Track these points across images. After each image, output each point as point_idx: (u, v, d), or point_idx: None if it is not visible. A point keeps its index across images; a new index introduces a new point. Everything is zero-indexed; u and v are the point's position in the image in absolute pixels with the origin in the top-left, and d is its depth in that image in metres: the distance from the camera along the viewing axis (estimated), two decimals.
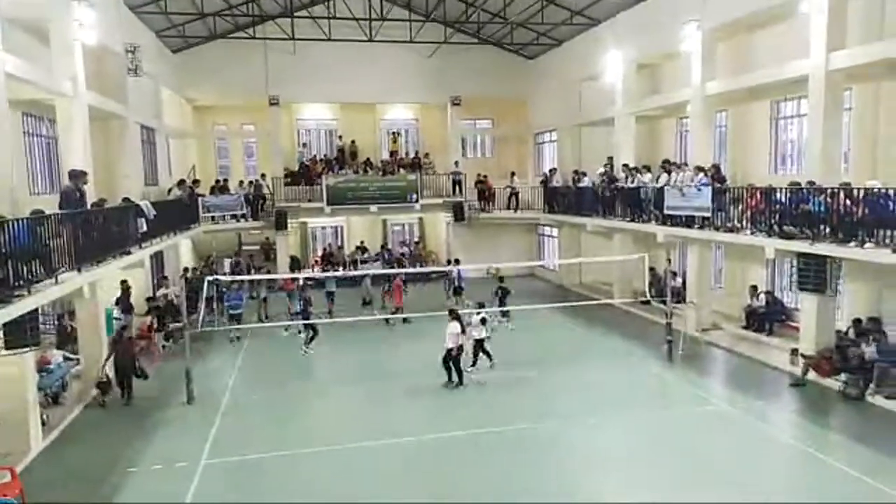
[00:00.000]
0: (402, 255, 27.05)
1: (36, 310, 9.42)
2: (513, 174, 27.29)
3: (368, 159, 27.88)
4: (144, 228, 15.30)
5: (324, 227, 28.97)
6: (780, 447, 10.65)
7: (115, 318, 14.72)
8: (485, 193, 26.88)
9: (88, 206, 12.27)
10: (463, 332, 13.65)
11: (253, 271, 22.16)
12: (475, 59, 27.52)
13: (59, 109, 14.05)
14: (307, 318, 16.64)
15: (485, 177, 27.34)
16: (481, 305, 15.42)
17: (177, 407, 12.85)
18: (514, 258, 24.80)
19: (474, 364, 14.44)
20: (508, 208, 26.53)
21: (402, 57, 26.35)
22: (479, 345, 14.55)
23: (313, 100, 28.20)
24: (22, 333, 9.31)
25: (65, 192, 11.85)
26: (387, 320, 18.68)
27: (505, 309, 18.19)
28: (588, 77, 23.56)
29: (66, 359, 13.65)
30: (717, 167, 16.46)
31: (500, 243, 26.89)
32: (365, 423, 11.92)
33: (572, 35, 24.38)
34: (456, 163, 27.31)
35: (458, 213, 26.52)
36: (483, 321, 14.61)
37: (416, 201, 26.02)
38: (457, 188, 26.81)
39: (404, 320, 18.62)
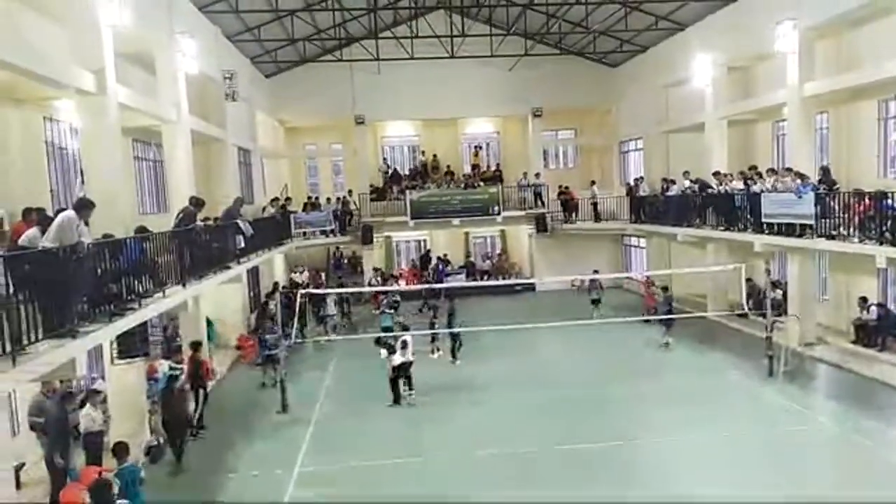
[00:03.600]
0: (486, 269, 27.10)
1: (145, 322, 10.09)
2: (592, 183, 26.82)
3: (450, 170, 28.19)
4: (242, 245, 16.09)
5: (408, 241, 29.47)
6: (892, 469, 9.82)
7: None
8: (568, 204, 26.51)
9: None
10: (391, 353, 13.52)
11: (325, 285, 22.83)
12: (556, 69, 27.31)
13: (165, 134, 15.09)
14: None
15: (567, 187, 26.98)
16: (405, 328, 15.01)
17: (271, 415, 13.38)
18: (599, 270, 24.24)
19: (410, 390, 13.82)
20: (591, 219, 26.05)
21: (483, 71, 26.53)
22: (400, 370, 13.66)
23: (397, 117, 28.87)
24: (133, 344, 10.00)
25: (185, 215, 12.68)
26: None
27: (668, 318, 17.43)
28: (675, 82, 22.88)
29: (171, 368, 14.48)
30: (825, 169, 15.48)
31: (585, 255, 26.36)
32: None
33: (657, 41, 23.77)
34: (537, 174, 27.09)
35: (540, 224, 26.28)
36: (404, 345, 13.80)
37: (498, 213, 26.02)
38: (538, 200, 26.56)
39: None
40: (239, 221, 15.79)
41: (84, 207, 8.38)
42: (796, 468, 9.94)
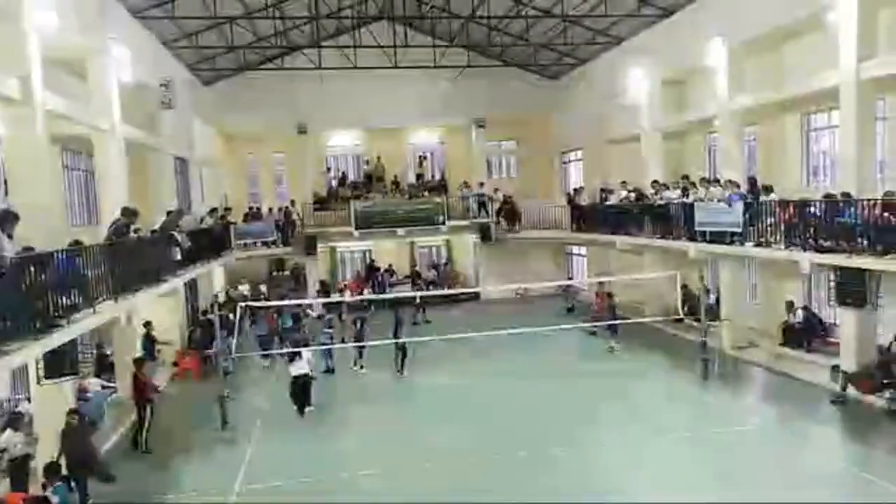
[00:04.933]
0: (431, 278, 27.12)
1: (74, 339, 9.66)
2: (496, 190, 27.15)
3: (396, 179, 28.25)
4: (179, 257, 15.63)
5: (352, 252, 29.22)
6: (823, 467, 10.34)
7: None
8: (511, 214, 26.85)
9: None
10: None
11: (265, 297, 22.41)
12: (499, 81, 27.72)
13: (97, 144, 14.51)
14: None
15: (510, 197, 27.34)
16: (306, 344, 15.12)
17: (210, 432, 13.00)
18: (542, 278, 24.68)
19: (309, 404, 13.90)
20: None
21: (427, 82, 26.65)
22: (297, 383, 13.75)
23: (341, 127, 28.69)
24: (61, 362, 9.55)
25: (116, 227, 12.20)
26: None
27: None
28: (613, 95, 23.52)
29: (103, 387, 13.92)
30: (753, 179, 16.20)
31: (529, 263, 26.86)
32: (401, 445, 11.91)
33: (596, 54, 24.44)
34: (481, 184, 27.29)
35: (485, 234, 26.53)
36: (298, 357, 13.93)
37: (443, 223, 26.12)
38: (482, 209, 26.80)
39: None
40: (175, 233, 15.34)
41: (6, 220, 7.99)
42: (733, 469, 10.27)
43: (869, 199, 12.34)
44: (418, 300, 22.27)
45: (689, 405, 13.56)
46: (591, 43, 23.31)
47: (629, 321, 17.97)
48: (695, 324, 15.84)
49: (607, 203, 22.46)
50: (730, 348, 16.56)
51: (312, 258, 25.47)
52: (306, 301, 21.47)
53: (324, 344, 16.83)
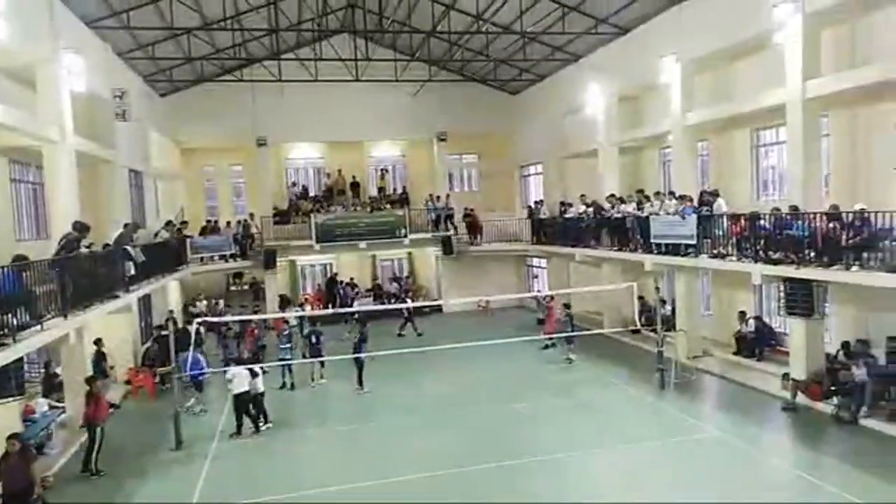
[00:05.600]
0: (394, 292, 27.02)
1: (21, 358, 9.31)
2: (437, 197, 27.23)
3: (356, 181, 28.09)
4: (132, 272, 15.24)
5: (313, 265, 28.94)
6: (775, 473, 10.62)
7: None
8: (473, 226, 27.01)
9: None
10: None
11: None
12: (460, 95, 28.01)
13: (46, 155, 14.07)
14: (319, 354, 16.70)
15: (472, 210, 27.50)
16: (253, 360, 14.88)
17: (165, 451, 12.64)
18: (503, 290, 24.83)
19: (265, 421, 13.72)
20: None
21: (389, 95, 26.74)
22: (240, 401, 13.34)
23: (301, 139, 28.49)
24: (6, 383, 9.18)
25: (67, 241, 11.83)
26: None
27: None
28: (571, 110, 23.99)
29: (51, 407, 13.43)
30: (708, 192, 16.65)
31: (490, 276, 27.05)
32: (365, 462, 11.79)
33: (555, 70, 24.88)
34: (438, 197, 27.32)
35: (446, 246, 26.60)
36: (253, 374, 13.59)
37: (405, 236, 26.10)
38: (445, 222, 26.88)
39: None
40: (129, 247, 14.97)
41: None
42: (691, 477, 10.49)
43: (815, 213, 12.85)
44: (406, 313, 22.25)
45: (647, 415, 13.79)
46: (549, 59, 23.75)
47: (588, 332, 18.18)
48: (651, 334, 16.13)
49: (566, 216, 22.79)
50: (685, 358, 16.91)
51: (272, 272, 25.10)
52: (272, 316, 21.01)
53: (283, 359, 16.62)
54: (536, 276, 28.53)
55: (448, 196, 27.69)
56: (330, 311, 21.24)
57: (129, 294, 15.21)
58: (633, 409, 14.17)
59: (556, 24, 20.50)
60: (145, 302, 19.76)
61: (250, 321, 19.10)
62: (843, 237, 11.92)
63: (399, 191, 29.31)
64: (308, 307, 22.32)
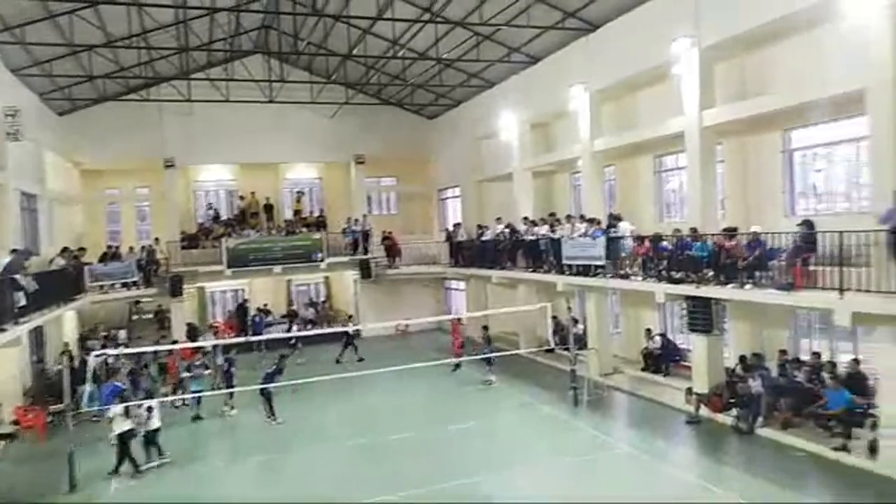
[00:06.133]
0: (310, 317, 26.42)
1: None
2: (355, 220, 26.84)
3: (270, 209, 27.46)
4: (23, 303, 14.17)
5: (224, 291, 27.90)
6: (679, 485, 11.02)
7: None
8: (391, 249, 26.92)
9: None
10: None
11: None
12: (377, 118, 28.07)
13: None
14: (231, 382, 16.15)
15: (390, 233, 27.44)
16: (150, 395, 14.11)
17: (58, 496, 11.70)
18: (422, 313, 24.80)
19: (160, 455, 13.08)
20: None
21: (305, 117, 26.44)
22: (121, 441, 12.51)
23: (212, 161, 27.56)
24: None
25: None
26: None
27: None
28: (487, 135, 24.50)
29: None
30: (612, 216, 17.33)
31: (408, 299, 26.95)
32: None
33: (470, 96, 25.38)
34: (356, 220, 27.04)
35: (364, 270, 26.35)
36: (149, 409, 12.89)
37: (322, 260, 25.66)
38: (364, 245, 26.60)
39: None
40: (18, 276, 13.92)
41: None
42: (603, 493, 10.73)
43: (712, 234, 13.64)
44: (346, 338, 21.76)
45: (562, 433, 14.02)
46: (465, 85, 24.23)
47: (505, 353, 18.40)
48: (565, 353, 16.52)
49: (483, 239, 23.13)
50: (597, 375, 17.40)
51: (178, 300, 23.96)
52: (193, 344, 19.87)
53: (193, 391, 15.87)
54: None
55: (366, 217, 27.50)
56: (243, 339, 20.37)
57: (19, 326, 14.09)
58: (548, 427, 14.39)
59: (470, 52, 20.97)
60: (37, 335, 18.39)
61: (170, 352, 18.11)
62: (739, 257, 12.69)
63: (316, 214, 28.85)
64: (220, 335, 21.43)
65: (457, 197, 28.17)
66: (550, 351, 18.71)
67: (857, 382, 12.02)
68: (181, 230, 25.70)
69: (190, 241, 25.63)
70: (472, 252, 23.98)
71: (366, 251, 26.51)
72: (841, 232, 10.67)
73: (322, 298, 29.17)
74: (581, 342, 17.94)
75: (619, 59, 16.82)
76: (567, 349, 16.16)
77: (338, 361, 21.34)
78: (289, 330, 22.61)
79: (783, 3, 12.20)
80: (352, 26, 21.08)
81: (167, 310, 24.90)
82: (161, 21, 19.70)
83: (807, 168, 14.24)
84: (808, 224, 11.80)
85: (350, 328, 22.33)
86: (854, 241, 10.57)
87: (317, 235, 26.25)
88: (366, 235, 26.54)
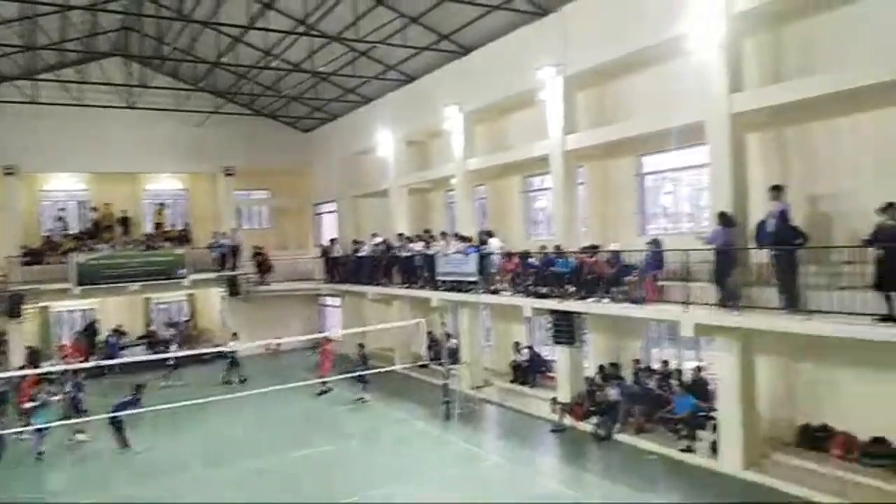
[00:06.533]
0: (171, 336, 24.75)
1: None
2: (224, 234, 25.84)
3: (126, 222, 25.66)
4: None
5: (72, 311, 25.51)
6: (544, 492, 11.44)
7: None
8: (262, 265, 25.99)
9: None
10: None
11: None
12: (249, 129, 27.15)
13: None
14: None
15: (261, 248, 26.50)
16: None
17: None
18: (296, 331, 24.14)
19: None
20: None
21: (169, 125, 25.00)
22: None
23: (62, 169, 25.21)
24: None
25: None
26: None
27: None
28: (363, 151, 24.44)
29: None
30: (484, 233, 17.81)
31: (281, 317, 26.06)
32: None
33: (347, 111, 25.21)
34: (224, 234, 25.89)
35: (233, 286, 25.19)
36: None
37: (185, 277, 24.22)
38: (231, 261, 25.45)
39: None
40: None
41: None
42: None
43: (575, 252, 14.42)
44: (230, 357, 20.59)
45: (434, 447, 14.10)
46: (341, 100, 24.05)
47: (379, 370, 18.23)
48: (439, 367, 16.69)
49: (359, 254, 22.95)
50: (469, 389, 17.74)
51: (17, 321, 21.55)
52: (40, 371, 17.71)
53: (38, 422, 14.26)
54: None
55: (235, 231, 26.38)
56: (92, 363, 18.61)
57: None
58: (421, 443, 14.43)
59: (346, 67, 20.90)
60: None
61: (24, 377, 16.14)
62: (600, 273, 13.51)
63: (179, 227, 27.23)
64: (70, 359, 19.50)
65: (333, 212, 27.80)
66: (425, 366, 18.85)
67: (700, 388, 13.16)
68: (22, 244, 23.23)
69: (33, 257, 23.20)
70: (348, 268, 23.70)
71: (234, 267, 25.39)
72: (685, 250, 11.68)
73: (185, 317, 27.47)
74: (455, 356, 18.21)
75: (490, 83, 17.45)
76: (441, 364, 16.33)
77: (229, 382, 20.28)
78: (166, 350, 21.10)
79: (637, 38, 13.26)
80: (221, 33, 20.29)
81: (3, 332, 22.28)
82: (4, 15, 17.90)
83: (658, 191, 15.49)
84: (656, 242, 12.77)
85: (233, 347, 21.17)
86: (695, 259, 11.59)
87: (180, 250, 24.79)
88: (235, 250, 25.42)
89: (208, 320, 27.49)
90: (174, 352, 20.72)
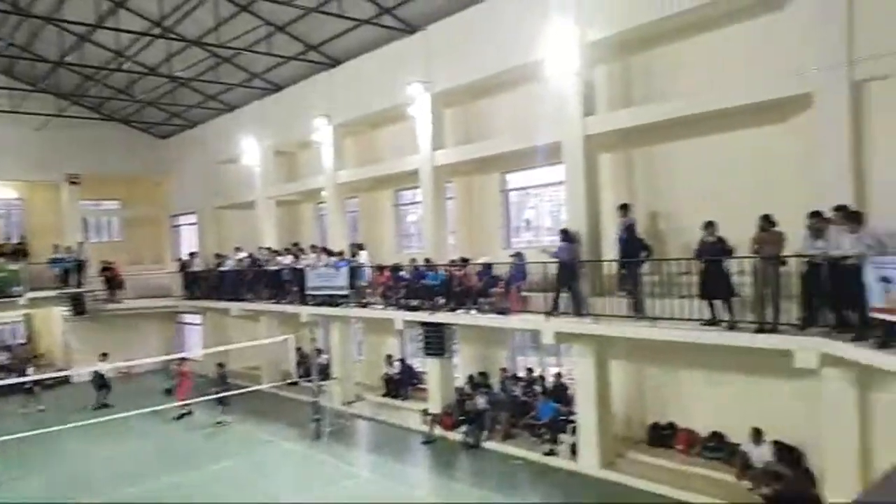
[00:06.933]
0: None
1: None
2: (67, 248, 23.61)
3: None
4: None
5: None
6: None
7: None
8: (112, 281, 24.02)
9: None
10: None
11: None
12: (97, 135, 25.02)
13: None
14: None
15: (111, 263, 24.49)
16: None
17: None
18: (151, 352, 22.50)
19: None
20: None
21: (3, 129, 22.48)
22: None
23: None
24: None
25: None
26: None
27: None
28: (227, 160, 23.38)
29: None
30: (355, 245, 17.64)
31: (134, 337, 24.16)
32: None
33: (208, 118, 24.02)
34: (67, 248, 23.66)
35: (77, 305, 23.02)
36: None
37: (21, 295, 21.80)
38: (75, 277, 23.23)
39: None
40: None
41: None
42: None
43: (445, 265, 14.71)
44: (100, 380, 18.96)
45: (302, 468, 13.73)
46: (202, 107, 22.91)
47: (244, 390, 17.46)
48: (309, 384, 16.28)
49: (222, 269, 21.88)
50: (340, 405, 17.48)
51: None
52: None
53: None
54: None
55: (82, 245, 24.17)
56: None
57: None
58: (289, 463, 13.99)
59: (208, 73, 19.95)
60: None
61: None
62: (469, 286, 13.87)
63: (15, 241, 24.49)
64: None
65: (193, 224, 26.30)
66: (295, 384, 18.29)
67: (560, 393, 13.89)
68: None
69: None
70: (210, 283, 22.49)
71: (80, 284, 23.21)
72: (544, 262, 12.32)
73: (21, 340, 24.70)
74: (325, 372, 17.84)
75: (360, 96, 17.44)
76: (311, 380, 15.94)
77: (104, 406, 18.60)
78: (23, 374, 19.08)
79: (497, 61, 13.87)
80: (66, 31, 18.63)
81: None
82: None
83: (522, 206, 16.21)
84: (519, 255, 13.35)
85: (102, 368, 19.33)
86: (552, 271, 12.25)
87: (15, 266, 22.29)
88: (80, 266, 23.27)
89: (50, 342, 24.92)
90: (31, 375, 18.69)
